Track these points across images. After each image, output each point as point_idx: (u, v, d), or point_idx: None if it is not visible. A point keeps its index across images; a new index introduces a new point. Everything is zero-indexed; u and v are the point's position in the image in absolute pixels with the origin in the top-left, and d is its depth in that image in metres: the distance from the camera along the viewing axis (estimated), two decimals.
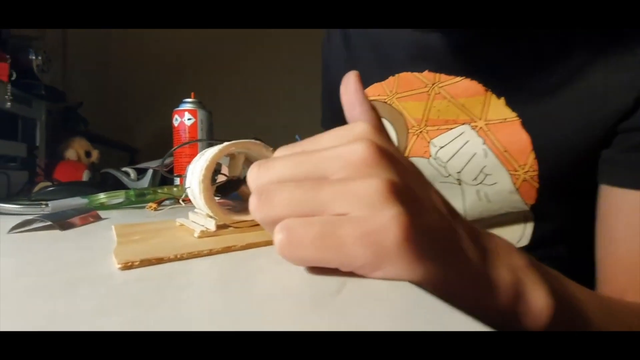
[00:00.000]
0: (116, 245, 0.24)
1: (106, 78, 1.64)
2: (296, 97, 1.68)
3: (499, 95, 0.40)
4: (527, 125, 0.38)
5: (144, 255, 0.21)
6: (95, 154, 1.05)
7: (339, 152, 0.17)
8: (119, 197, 0.53)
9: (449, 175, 0.45)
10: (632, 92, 0.34)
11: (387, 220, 0.15)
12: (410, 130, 0.45)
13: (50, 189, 0.73)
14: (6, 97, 0.75)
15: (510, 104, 0.39)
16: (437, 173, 0.46)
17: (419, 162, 0.46)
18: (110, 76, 1.65)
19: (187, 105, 0.71)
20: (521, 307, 0.18)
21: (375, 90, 0.49)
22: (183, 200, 0.53)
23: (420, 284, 0.15)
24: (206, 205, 0.27)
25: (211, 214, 0.28)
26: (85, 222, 0.39)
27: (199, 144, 0.69)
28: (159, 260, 0.21)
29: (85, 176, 0.98)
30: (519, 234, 0.44)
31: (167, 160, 0.76)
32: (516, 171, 0.40)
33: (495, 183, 0.41)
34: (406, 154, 0.47)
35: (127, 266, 0.19)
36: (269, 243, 0.25)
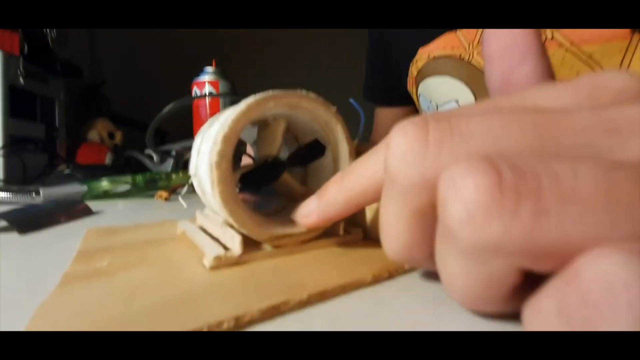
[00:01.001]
0: (51, 294, 0.13)
1: (135, 58, 1.59)
2: (330, 67, 1.54)
3: None
4: None
5: (80, 326, 0.10)
6: (118, 136, 0.99)
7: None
8: (125, 183, 0.43)
9: None
10: None
11: None
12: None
13: (66, 172, 0.66)
14: (18, 72, 0.68)
15: None
16: None
17: None
18: (139, 56, 1.60)
19: (208, 75, 0.60)
20: None
21: (446, 43, 0.36)
22: None
23: None
24: (225, 209, 0.16)
25: (233, 223, 0.17)
26: (70, 219, 0.30)
27: (220, 98, 0.57)
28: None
29: (108, 159, 0.92)
30: None
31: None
32: None
33: None
34: None
35: None
36: (364, 281, 0.14)
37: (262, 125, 0.21)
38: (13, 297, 0.14)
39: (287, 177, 0.20)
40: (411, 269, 0.16)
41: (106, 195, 0.42)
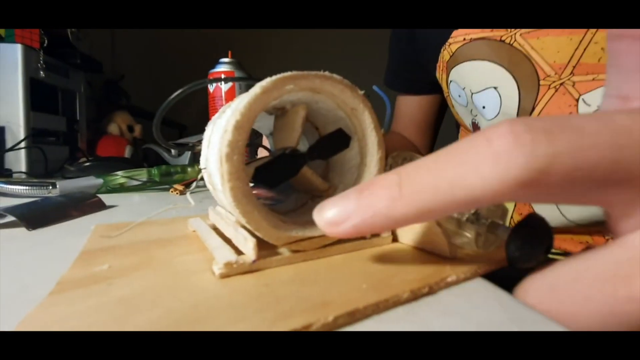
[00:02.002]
0: (43, 301, 0.12)
1: (154, 53, 1.60)
2: (349, 57, 1.50)
3: None
4: None
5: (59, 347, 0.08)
6: (137, 129, 1.00)
7: None
8: (140, 176, 0.43)
9: None
10: None
11: None
12: (543, 82, 0.30)
13: (86, 164, 0.67)
14: (39, 65, 0.69)
15: None
16: None
17: None
18: (158, 51, 1.61)
19: (224, 66, 0.59)
20: None
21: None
22: None
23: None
24: (237, 208, 0.14)
25: (246, 224, 0.15)
26: (82, 213, 0.29)
27: (236, 86, 0.54)
28: None
29: (127, 152, 0.93)
30: None
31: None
32: None
33: None
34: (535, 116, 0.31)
35: None
36: (400, 297, 0.12)
37: (280, 113, 0.19)
38: (6, 299, 0.12)
39: (306, 172, 0.18)
40: (456, 282, 0.13)
41: (122, 188, 0.42)
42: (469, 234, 0.16)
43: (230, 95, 0.58)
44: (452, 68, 0.36)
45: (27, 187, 0.37)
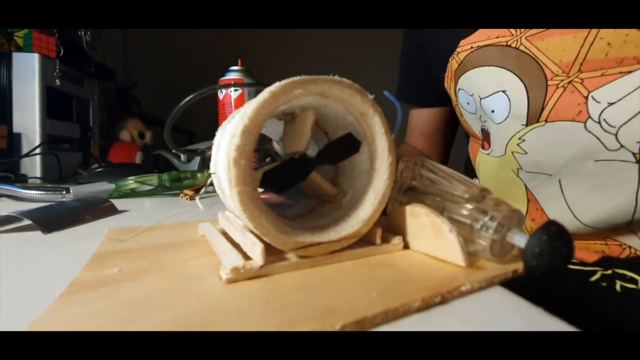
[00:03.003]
0: (53, 304, 0.12)
1: (165, 61, 1.63)
2: (357, 62, 1.50)
3: None
4: None
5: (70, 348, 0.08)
6: (148, 135, 1.02)
7: None
8: (151, 181, 0.43)
9: (621, 147, 0.28)
10: None
11: None
12: (550, 82, 0.30)
13: (98, 170, 0.68)
14: (55, 73, 0.71)
15: None
16: (598, 144, 0.29)
17: (568, 130, 0.30)
18: (169, 59, 1.64)
19: (234, 74, 0.59)
20: None
21: (490, 32, 0.34)
22: None
23: None
24: (244, 213, 0.14)
25: (254, 229, 0.14)
26: (95, 217, 0.29)
27: (245, 93, 0.54)
28: None
29: (138, 158, 0.94)
30: None
31: None
32: None
33: None
34: (543, 118, 0.31)
35: None
36: (411, 306, 0.12)
37: (289, 119, 0.19)
38: (21, 300, 0.12)
39: (315, 177, 0.18)
40: (470, 291, 0.13)
41: (133, 193, 0.42)
42: (483, 242, 0.15)
43: (240, 102, 0.59)
44: (460, 76, 0.36)
45: (42, 192, 0.38)
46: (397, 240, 0.17)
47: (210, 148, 0.61)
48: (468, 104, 0.37)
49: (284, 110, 0.17)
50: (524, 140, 0.32)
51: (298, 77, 0.15)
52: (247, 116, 0.14)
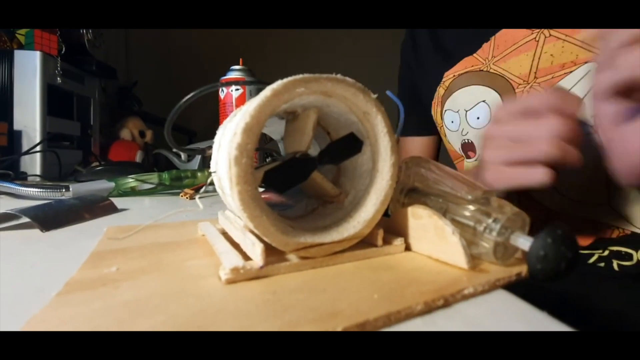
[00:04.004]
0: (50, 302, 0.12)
1: (166, 60, 1.63)
2: (360, 61, 1.50)
3: None
4: None
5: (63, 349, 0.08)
6: (149, 134, 1.02)
7: None
8: (151, 180, 0.43)
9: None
10: None
11: None
12: (517, 89, 0.40)
13: (98, 168, 0.68)
14: (56, 71, 0.71)
15: None
16: None
17: None
18: (170, 58, 1.64)
19: (235, 73, 0.59)
20: None
21: (466, 63, 0.44)
22: None
23: None
24: (244, 212, 0.14)
25: (254, 229, 0.14)
26: (94, 216, 0.29)
27: (247, 92, 0.54)
28: None
29: (138, 157, 0.94)
30: None
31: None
32: None
33: None
34: None
35: None
36: (413, 309, 0.11)
37: (291, 117, 0.19)
38: (18, 299, 0.12)
39: (317, 177, 0.18)
40: (473, 294, 0.13)
41: (133, 192, 0.42)
42: (486, 244, 0.15)
43: (241, 102, 0.58)
44: (447, 100, 0.45)
45: (42, 190, 0.38)
46: (398, 242, 0.17)
47: (210, 147, 0.61)
48: (452, 122, 0.45)
49: (286, 109, 0.17)
50: None
51: (300, 75, 0.14)
52: (249, 114, 0.13)
